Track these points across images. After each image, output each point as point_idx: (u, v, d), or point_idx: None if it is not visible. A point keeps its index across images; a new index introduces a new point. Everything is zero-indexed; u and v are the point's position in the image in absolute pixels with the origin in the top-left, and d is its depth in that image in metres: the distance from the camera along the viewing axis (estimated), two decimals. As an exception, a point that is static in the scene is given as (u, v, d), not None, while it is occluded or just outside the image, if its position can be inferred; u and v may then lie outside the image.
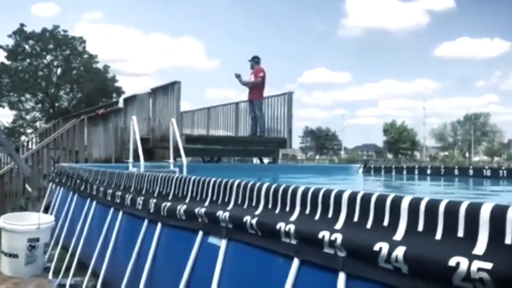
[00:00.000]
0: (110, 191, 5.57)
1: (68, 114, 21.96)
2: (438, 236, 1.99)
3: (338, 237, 2.36)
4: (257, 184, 3.14)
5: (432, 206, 2.05)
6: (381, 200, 2.28)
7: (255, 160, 13.47)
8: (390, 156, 67.82)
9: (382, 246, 2.12)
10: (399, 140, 68.92)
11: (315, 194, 2.66)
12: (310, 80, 74.55)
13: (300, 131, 76.78)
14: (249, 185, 3.20)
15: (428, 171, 11.28)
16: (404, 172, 11.64)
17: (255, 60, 11.99)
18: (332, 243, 2.38)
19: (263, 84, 11.65)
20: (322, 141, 78.42)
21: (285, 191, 2.89)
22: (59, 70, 51.26)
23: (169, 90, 10.40)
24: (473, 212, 1.90)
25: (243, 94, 12.38)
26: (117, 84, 51.85)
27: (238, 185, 3.31)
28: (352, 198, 2.43)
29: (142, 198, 4.68)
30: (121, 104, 12.13)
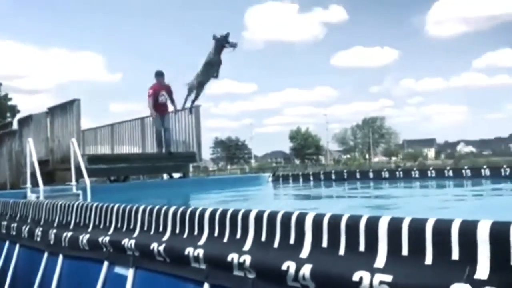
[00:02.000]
0: (4, 222, 5.13)
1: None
2: (342, 251, 2.04)
3: (247, 258, 2.34)
4: (164, 208, 3.04)
5: (335, 222, 2.10)
6: (286, 218, 2.30)
7: (165, 176, 13.19)
8: (297, 161, 70.01)
9: (290, 265, 2.14)
10: (305, 146, 71.54)
11: (223, 215, 2.63)
12: (217, 92, 75.03)
13: (210, 142, 76.92)
14: (155, 210, 3.09)
15: (333, 176, 11.77)
16: (311, 178, 12.05)
17: (159, 75, 11.65)
18: (241, 265, 2.36)
19: (171, 98, 11.47)
20: (232, 150, 79.04)
21: (192, 214, 2.82)
22: None
23: (68, 108, 9.86)
24: (372, 226, 1.98)
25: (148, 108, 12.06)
26: (11, 103, 48.22)
27: (144, 210, 3.19)
28: (259, 217, 2.43)
29: (41, 229, 4.36)
30: (15, 125, 11.27)
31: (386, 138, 74.96)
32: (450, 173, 10.54)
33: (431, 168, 10.98)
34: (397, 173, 11.12)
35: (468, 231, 1.70)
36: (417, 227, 1.84)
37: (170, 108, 11.63)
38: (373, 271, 1.87)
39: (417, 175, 10.62)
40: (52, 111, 10.67)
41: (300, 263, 2.11)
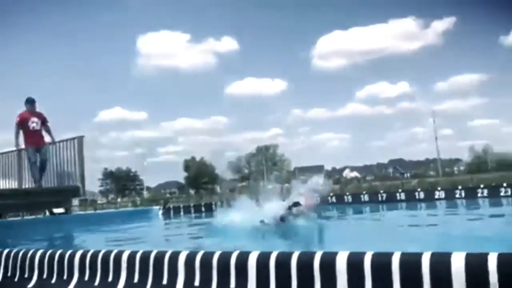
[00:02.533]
0: None
1: None
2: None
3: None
4: (30, 252, 2.81)
5: (206, 259, 2.09)
6: (159, 257, 2.24)
7: (47, 213, 12.25)
8: (192, 191, 69.39)
9: (162, 307, 2.08)
10: (200, 175, 71.23)
11: (94, 256, 2.50)
12: (107, 120, 72.33)
13: (99, 173, 73.39)
14: (20, 254, 2.85)
15: (225, 206, 11.80)
16: (203, 209, 11.98)
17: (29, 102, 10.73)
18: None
19: (47, 127, 10.67)
20: (123, 182, 76.02)
21: (61, 257, 2.64)
22: None
23: None
24: (242, 261, 2.00)
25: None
26: None
27: (7, 256, 2.92)
28: (131, 257, 2.34)
29: None
30: None
31: (278, 166, 77.35)
32: (333, 199, 11.16)
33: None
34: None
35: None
36: (284, 261, 1.89)
37: (47, 138, 10.81)
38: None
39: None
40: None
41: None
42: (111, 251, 2.45)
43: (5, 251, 2.96)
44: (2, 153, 12.57)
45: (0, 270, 2.92)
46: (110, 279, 2.38)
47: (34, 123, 10.27)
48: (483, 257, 1.55)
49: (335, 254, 1.78)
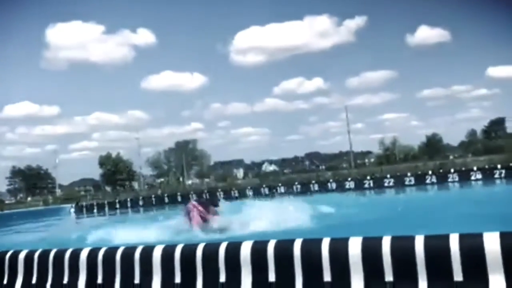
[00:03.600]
0: None
1: None
2: (117, 285, 1.97)
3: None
4: None
5: (109, 254, 2.02)
6: (59, 256, 2.13)
7: None
8: (108, 188, 66.99)
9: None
10: (116, 171, 68.82)
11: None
12: (14, 115, 67.67)
13: (7, 171, 68.55)
14: None
15: (141, 203, 11.55)
16: (117, 206, 11.63)
17: None
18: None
19: None
20: (33, 180, 71.66)
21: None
22: None
23: None
24: (146, 256, 1.95)
25: None
26: None
27: None
28: (29, 258, 2.21)
29: None
30: None
31: (198, 160, 76.85)
32: (250, 193, 11.31)
33: (233, 188, 11.59)
34: (204, 195, 11.44)
35: (233, 251, 1.79)
36: (189, 253, 1.87)
37: None
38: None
39: (222, 196, 11.08)
40: None
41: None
42: (6, 252, 2.30)
43: None
44: None
45: None
46: (5, 282, 2.23)
47: None
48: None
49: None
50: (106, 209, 11.44)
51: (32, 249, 2.25)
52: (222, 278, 1.78)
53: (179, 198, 11.61)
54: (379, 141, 65.47)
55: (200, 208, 4.79)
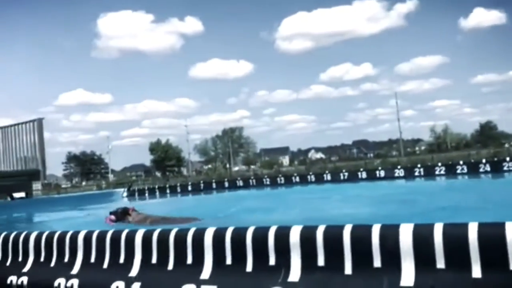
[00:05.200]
0: None
1: None
2: (170, 266, 2.04)
3: (75, 282, 2.22)
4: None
5: (164, 237, 2.09)
6: (116, 237, 2.23)
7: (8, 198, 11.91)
8: (158, 174, 68.76)
9: (119, 285, 2.07)
10: (166, 158, 70.51)
11: (50, 238, 2.46)
12: (68, 103, 70.42)
13: (63, 157, 71.66)
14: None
15: (189, 188, 11.80)
16: (167, 191, 11.94)
17: None
18: (69, 290, 2.22)
19: None
20: (88, 165, 74.58)
21: (16, 239, 2.60)
22: None
23: None
24: (198, 238, 2.01)
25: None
26: None
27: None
28: (88, 238, 2.33)
29: None
30: None
31: (244, 148, 77.46)
32: (297, 179, 11.28)
33: (280, 175, 11.62)
34: (250, 181, 11.54)
35: (282, 236, 1.82)
36: (239, 236, 1.91)
37: None
38: (199, 283, 1.90)
39: (268, 182, 11.15)
40: None
41: (129, 282, 2.06)
42: (66, 232, 2.42)
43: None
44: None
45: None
46: (66, 260, 2.36)
47: None
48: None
49: (289, 228, 1.82)
50: (157, 193, 11.76)
51: (90, 230, 2.36)
52: (272, 262, 1.82)
53: (226, 184, 11.76)
54: (430, 129, 63.70)
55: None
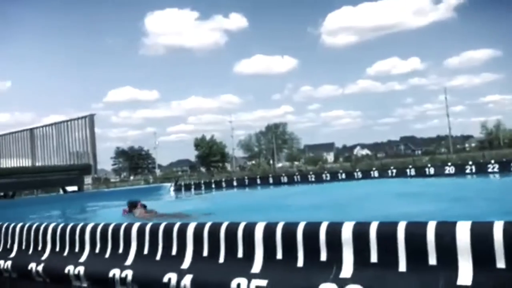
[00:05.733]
0: None
1: None
2: (221, 259, 2.07)
3: (129, 273, 2.28)
4: (43, 225, 2.87)
5: (214, 230, 2.12)
6: (168, 229, 2.28)
7: (61, 191, 12.41)
8: (203, 169, 69.75)
9: (171, 277, 2.12)
10: (210, 153, 71.48)
11: (104, 230, 2.55)
12: (117, 99, 72.73)
13: (112, 152, 74.05)
14: (33, 228, 2.91)
15: (234, 183, 11.89)
16: (213, 186, 12.08)
17: None
18: (123, 281, 2.29)
19: None
20: (135, 160, 76.69)
21: (73, 231, 2.70)
22: None
23: None
24: (249, 233, 2.02)
25: (42, 118, 11.35)
26: None
27: (21, 229, 2.98)
28: (141, 230, 2.39)
29: None
30: None
31: (288, 144, 77.34)
32: (343, 176, 11.16)
33: (325, 172, 11.52)
34: (295, 177, 11.51)
35: (334, 232, 1.80)
36: (289, 231, 1.91)
37: None
38: (250, 277, 1.91)
39: (313, 179, 11.08)
40: None
41: (181, 274, 2.10)
42: (120, 225, 2.50)
43: (19, 225, 3.03)
44: (14, 132, 12.72)
45: (15, 243, 2.99)
46: (120, 251, 2.43)
47: None
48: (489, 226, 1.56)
49: (341, 224, 1.80)
50: (203, 188, 11.92)
51: (143, 223, 2.42)
52: (323, 257, 1.80)
53: (271, 180, 11.77)
54: (480, 125, 61.42)
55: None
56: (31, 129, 12.21)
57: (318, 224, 1.85)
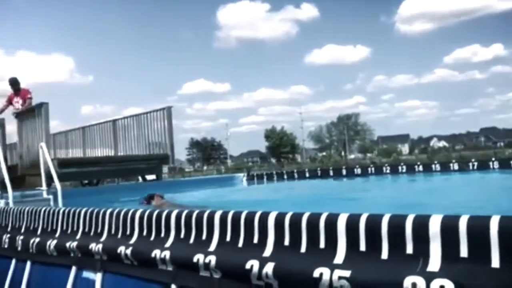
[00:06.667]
0: (-29, 230, 5.02)
1: None
2: (303, 249, 2.08)
3: (212, 259, 2.36)
4: (131, 212, 3.04)
5: (296, 220, 2.14)
6: (249, 218, 2.33)
7: (140, 179, 13.07)
8: (273, 160, 70.17)
9: (253, 264, 2.17)
10: (280, 144, 71.77)
11: (188, 217, 2.65)
12: (191, 92, 74.85)
13: (186, 143, 76.49)
14: (122, 213, 3.09)
15: (307, 174, 11.87)
16: (285, 177, 12.14)
17: (17, 82, 11.46)
18: (207, 266, 2.37)
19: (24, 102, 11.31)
20: (208, 151, 78.77)
21: (158, 217, 2.83)
22: None
23: (36, 112, 9.68)
24: (331, 223, 2.02)
25: (122, 110, 11.97)
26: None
27: (111, 214, 3.17)
28: (223, 218, 2.46)
29: (8, 235, 4.29)
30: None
31: (361, 135, 75.79)
32: (420, 168, 10.76)
33: (402, 164, 11.19)
34: (369, 169, 11.28)
35: (421, 226, 1.76)
36: (373, 223, 1.89)
37: None
38: (332, 267, 1.92)
39: (388, 171, 10.81)
40: (20, 116, 10.47)
41: (263, 262, 2.15)
42: (203, 212, 2.58)
43: (108, 211, 3.21)
44: (99, 124, 13.51)
45: (105, 228, 3.18)
46: (203, 237, 2.52)
47: (16, 103, 11.13)
48: None
49: (428, 217, 1.76)
50: (275, 178, 12.02)
51: (225, 210, 2.49)
52: (409, 250, 1.77)
53: (344, 172, 11.62)
54: None
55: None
56: (114, 121, 12.93)
57: (404, 216, 1.81)
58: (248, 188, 10.99)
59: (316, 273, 1.94)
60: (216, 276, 2.35)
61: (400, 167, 10.81)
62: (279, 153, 72.23)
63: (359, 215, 1.94)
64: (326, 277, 1.90)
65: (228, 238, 2.41)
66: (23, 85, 11.51)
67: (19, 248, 4.02)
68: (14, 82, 11.20)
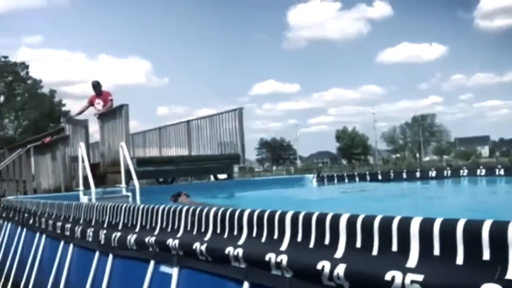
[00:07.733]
0: (59, 223, 5.43)
1: (14, 143, 21.12)
2: (375, 251, 2.08)
3: (284, 258, 2.42)
4: (205, 210, 3.17)
5: (368, 223, 2.14)
6: (321, 219, 2.36)
7: (212, 178, 13.44)
8: (344, 162, 69.12)
9: (325, 265, 2.19)
10: (352, 145, 70.53)
11: (260, 216, 2.72)
12: (261, 93, 75.65)
13: (256, 143, 77.34)
14: (197, 211, 3.22)
15: (379, 177, 11.60)
16: (356, 179, 11.94)
17: (99, 85, 11.93)
18: (278, 265, 2.43)
19: (106, 104, 11.70)
20: (277, 151, 79.12)
21: (232, 215, 2.93)
22: (1, 98, 49.40)
23: (117, 113, 10.26)
24: (404, 226, 2.00)
25: (194, 110, 12.38)
26: (64, 108, 50.71)
27: (187, 212, 3.32)
28: (295, 218, 2.50)
29: (92, 229, 4.60)
30: (68, 131, 11.81)
31: (437, 136, 72.72)
32: (502, 172, 10.17)
33: (481, 167, 10.63)
34: (445, 172, 10.84)
35: (499, 231, 1.70)
36: (448, 228, 1.85)
37: None
38: (405, 271, 1.90)
39: (465, 174, 10.32)
40: (102, 117, 11.13)
41: (334, 263, 2.17)
42: (275, 212, 2.64)
43: (184, 208, 3.36)
44: (174, 124, 14.06)
45: (181, 224, 3.33)
46: (275, 237, 2.58)
47: (98, 104, 11.65)
48: None
49: (507, 223, 1.70)
50: (346, 180, 11.86)
51: (296, 211, 2.54)
52: (486, 257, 1.72)
53: (418, 174, 11.25)
54: None
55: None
56: (188, 121, 13.40)
57: (481, 222, 1.77)
58: (318, 189, 10.94)
59: (388, 276, 1.93)
60: (288, 275, 2.40)
61: (479, 170, 10.28)
62: (351, 154, 71.03)
63: (433, 219, 1.91)
64: (398, 280, 1.89)
65: (299, 239, 2.45)
66: (103, 87, 12.24)
67: (102, 242, 4.30)
68: (96, 85, 11.95)
